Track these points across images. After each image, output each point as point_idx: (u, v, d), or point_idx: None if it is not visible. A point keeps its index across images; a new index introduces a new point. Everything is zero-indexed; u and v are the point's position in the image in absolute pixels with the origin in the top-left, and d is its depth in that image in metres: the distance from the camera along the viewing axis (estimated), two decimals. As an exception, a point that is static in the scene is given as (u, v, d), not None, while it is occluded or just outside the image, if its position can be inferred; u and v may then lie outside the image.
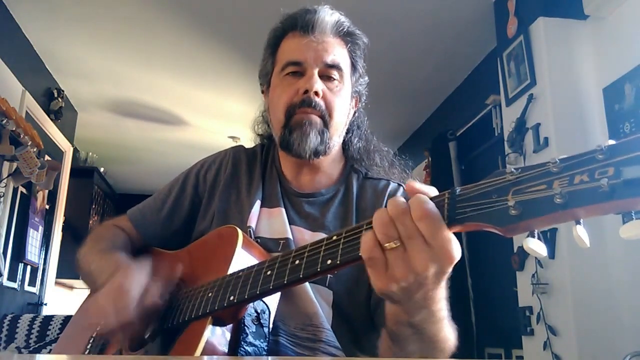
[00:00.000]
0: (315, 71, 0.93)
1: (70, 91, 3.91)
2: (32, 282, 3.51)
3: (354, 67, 1.00)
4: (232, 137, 4.65)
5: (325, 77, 0.94)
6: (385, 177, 1.01)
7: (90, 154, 5.19)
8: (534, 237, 0.49)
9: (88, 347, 0.93)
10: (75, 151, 4.68)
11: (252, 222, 0.92)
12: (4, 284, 3.01)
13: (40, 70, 3.51)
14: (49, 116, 3.54)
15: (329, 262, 0.61)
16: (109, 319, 0.76)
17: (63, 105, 3.70)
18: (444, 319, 0.66)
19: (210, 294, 0.74)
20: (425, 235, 0.53)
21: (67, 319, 2.55)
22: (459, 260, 0.55)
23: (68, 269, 4.11)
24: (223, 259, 0.79)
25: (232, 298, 0.70)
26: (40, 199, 3.52)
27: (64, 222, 4.16)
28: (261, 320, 0.76)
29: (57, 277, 4.08)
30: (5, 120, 2.58)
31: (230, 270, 0.76)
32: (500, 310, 2.95)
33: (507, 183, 0.50)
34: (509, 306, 2.58)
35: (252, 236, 0.90)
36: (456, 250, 0.53)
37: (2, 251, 2.88)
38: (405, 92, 3.78)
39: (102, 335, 0.82)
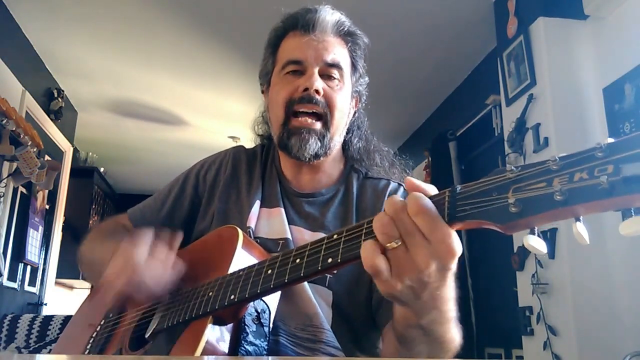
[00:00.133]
0: (316, 70, 0.93)
1: (70, 91, 3.92)
2: (32, 282, 3.51)
3: (354, 66, 1.00)
4: (232, 137, 4.65)
5: (326, 76, 0.94)
6: (386, 177, 1.01)
7: (90, 154, 5.19)
8: (534, 234, 0.49)
9: (88, 347, 0.93)
10: (75, 151, 4.69)
11: (252, 222, 0.92)
12: (4, 284, 3.02)
13: (40, 70, 3.51)
14: (49, 116, 3.54)
15: (329, 260, 0.61)
16: (125, 277, 0.77)
17: (63, 105, 3.70)
18: (452, 320, 0.66)
19: (210, 293, 0.74)
20: (424, 231, 0.53)
21: (67, 319, 2.54)
22: (459, 260, 0.55)
23: (68, 269, 4.11)
24: (223, 259, 0.79)
25: (232, 297, 0.70)
26: (40, 199, 3.52)
27: (64, 222, 4.16)
28: (261, 320, 0.76)
29: (57, 277, 4.07)
30: (5, 120, 2.58)
31: (231, 270, 0.76)
32: (500, 310, 2.95)
33: (507, 181, 0.50)
34: (509, 306, 2.58)
35: (252, 236, 0.90)
36: (456, 245, 0.53)
37: (2, 251, 2.88)
38: (405, 92, 3.78)
39: (123, 295, 0.79)
